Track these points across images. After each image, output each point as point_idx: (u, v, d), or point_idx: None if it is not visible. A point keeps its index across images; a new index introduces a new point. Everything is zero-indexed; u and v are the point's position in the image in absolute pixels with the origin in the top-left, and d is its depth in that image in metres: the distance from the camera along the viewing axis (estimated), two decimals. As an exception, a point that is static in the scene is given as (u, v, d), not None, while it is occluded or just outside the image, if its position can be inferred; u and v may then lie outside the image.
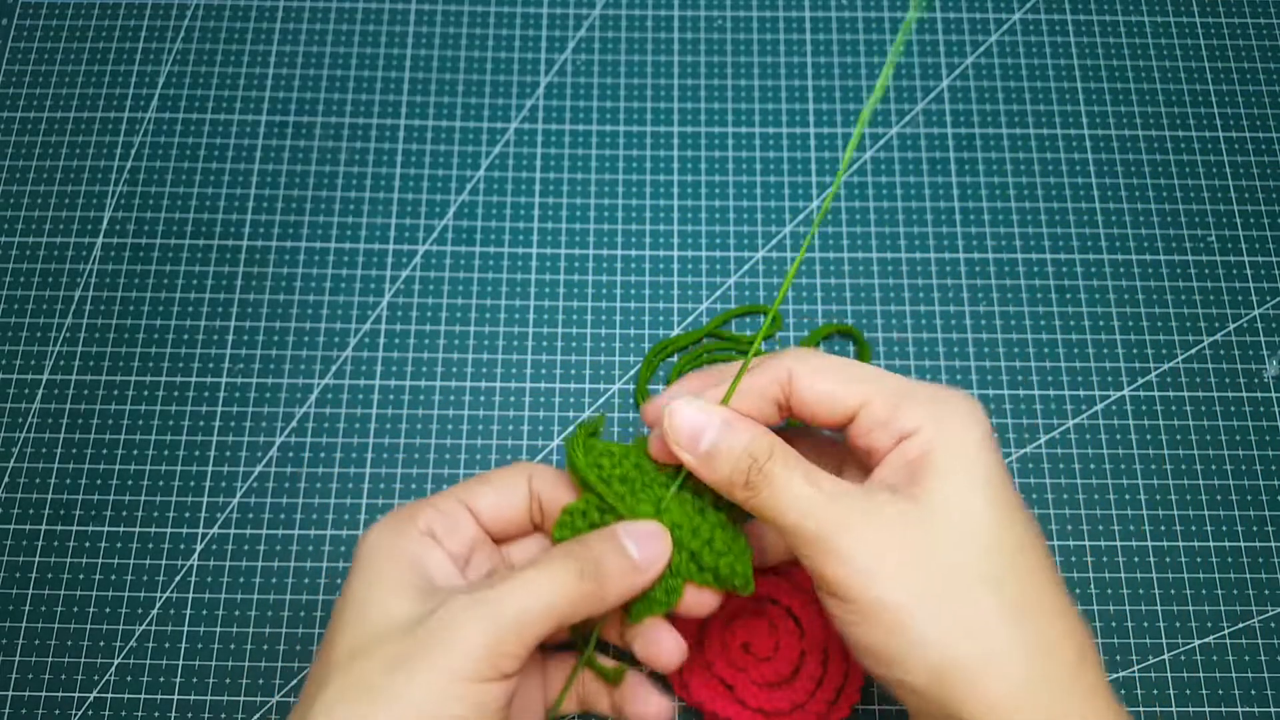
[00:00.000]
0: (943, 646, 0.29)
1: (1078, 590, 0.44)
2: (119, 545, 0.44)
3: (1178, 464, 0.45)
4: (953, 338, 0.47)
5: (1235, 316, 0.48)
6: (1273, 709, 0.42)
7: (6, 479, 0.45)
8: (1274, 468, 0.45)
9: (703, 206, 0.50)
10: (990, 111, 0.51)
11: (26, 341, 0.47)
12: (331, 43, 0.53)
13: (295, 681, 0.42)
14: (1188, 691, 0.42)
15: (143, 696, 0.42)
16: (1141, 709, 0.42)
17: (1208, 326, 0.48)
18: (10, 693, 0.42)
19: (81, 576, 0.44)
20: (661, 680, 0.41)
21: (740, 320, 0.48)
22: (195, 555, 0.44)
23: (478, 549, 0.36)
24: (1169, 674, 0.42)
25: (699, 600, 0.35)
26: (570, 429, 0.46)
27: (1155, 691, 0.42)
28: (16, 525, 0.45)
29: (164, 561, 0.44)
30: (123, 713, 0.42)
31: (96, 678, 0.42)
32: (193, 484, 0.45)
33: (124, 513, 0.45)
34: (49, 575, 0.44)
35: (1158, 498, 0.45)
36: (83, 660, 0.43)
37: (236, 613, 0.43)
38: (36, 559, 0.44)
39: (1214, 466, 0.45)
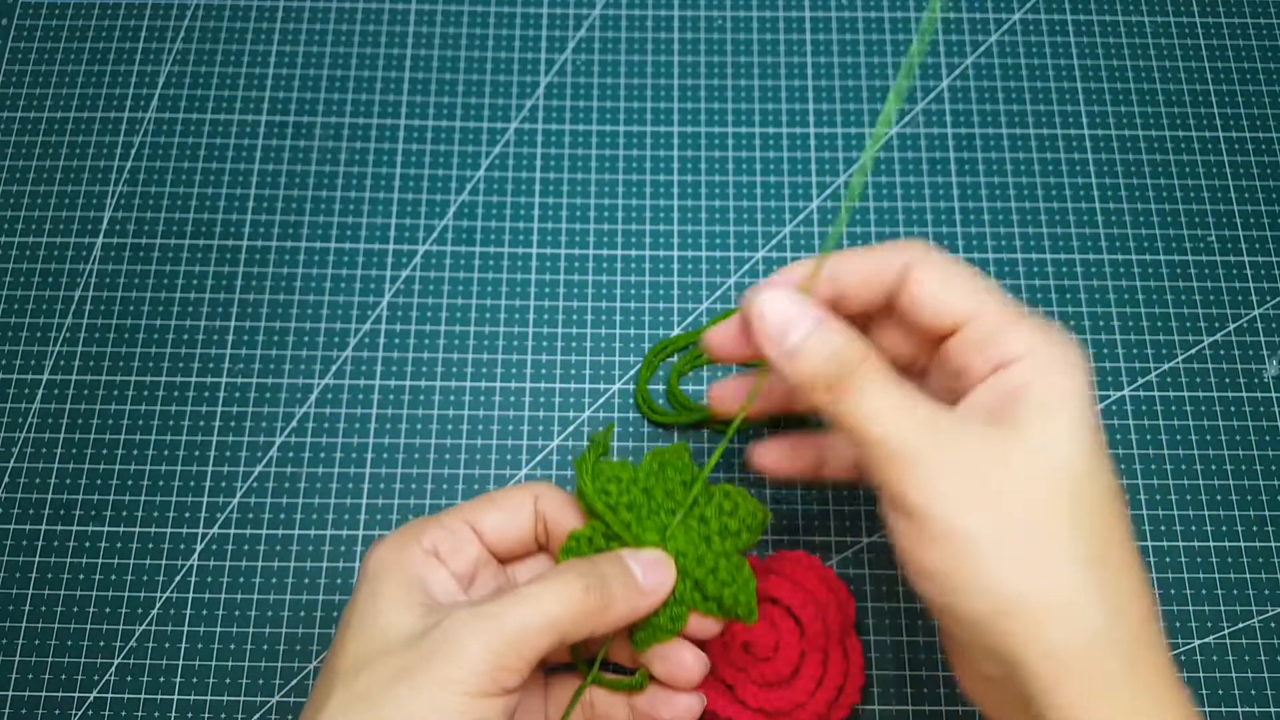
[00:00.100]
0: (1012, 582, 0.28)
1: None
2: (119, 545, 0.44)
3: (1178, 464, 0.45)
4: (953, 338, 0.47)
5: (1235, 316, 0.48)
6: (1273, 709, 0.42)
7: (6, 479, 0.45)
8: (1274, 468, 0.45)
9: (703, 206, 0.50)
10: (990, 111, 0.51)
11: (26, 341, 0.47)
12: (331, 43, 0.53)
13: (295, 681, 0.42)
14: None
15: (143, 696, 0.42)
16: (1141, 709, 0.42)
17: (1208, 326, 0.48)
18: (10, 693, 0.42)
19: (81, 576, 0.44)
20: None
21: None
22: (195, 555, 0.44)
23: (482, 569, 0.36)
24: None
25: (702, 626, 0.35)
26: (570, 428, 0.46)
27: (1155, 691, 0.42)
28: (16, 525, 0.45)
29: (164, 561, 0.44)
30: (123, 713, 0.42)
31: (96, 678, 0.42)
32: (193, 484, 0.45)
33: (124, 513, 0.45)
34: (49, 575, 0.44)
35: (1158, 498, 0.45)
36: (83, 660, 0.43)
37: (236, 613, 0.43)
38: (36, 559, 0.44)
39: (1214, 466, 0.45)
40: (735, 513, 0.36)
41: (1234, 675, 0.42)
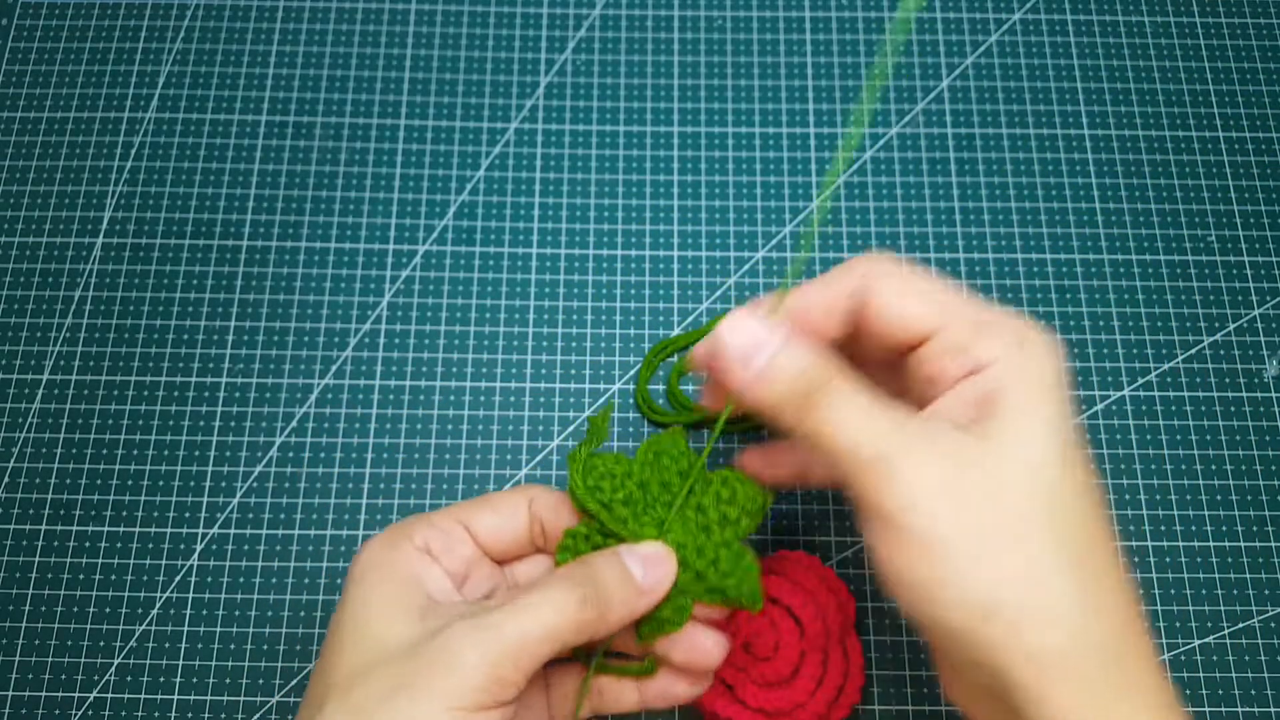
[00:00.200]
0: (990, 588, 0.28)
1: (1078, 590, 0.44)
2: (119, 545, 0.44)
3: (1178, 464, 0.45)
4: (953, 338, 0.47)
5: (1235, 316, 0.48)
6: (1273, 709, 0.42)
7: (6, 479, 0.45)
8: (1274, 468, 0.45)
9: (703, 206, 0.50)
10: (990, 111, 0.51)
11: (26, 341, 0.47)
12: (331, 43, 0.53)
13: (295, 681, 0.42)
14: (1187, 692, 0.42)
15: (143, 696, 0.42)
16: (1141, 709, 0.42)
17: (1208, 326, 0.48)
18: (10, 693, 0.42)
19: (81, 576, 0.44)
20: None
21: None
22: (195, 555, 0.44)
23: (475, 568, 0.35)
24: (1169, 674, 0.42)
25: (706, 615, 0.35)
26: (570, 428, 0.46)
27: (1155, 691, 0.42)
28: (16, 525, 0.45)
29: (164, 561, 0.44)
30: (123, 713, 0.42)
31: (96, 678, 0.42)
32: (193, 484, 0.45)
33: (124, 513, 0.45)
34: (49, 575, 0.44)
35: (1158, 498, 0.45)
36: (83, 660, 0.43)
37: (236, 613, 0.43)
38: (36, 559, 0.44)
39: (1214, 466, 0.45)
40: (734, 500, 0.35)
41: (1234, 675, 0.42)
